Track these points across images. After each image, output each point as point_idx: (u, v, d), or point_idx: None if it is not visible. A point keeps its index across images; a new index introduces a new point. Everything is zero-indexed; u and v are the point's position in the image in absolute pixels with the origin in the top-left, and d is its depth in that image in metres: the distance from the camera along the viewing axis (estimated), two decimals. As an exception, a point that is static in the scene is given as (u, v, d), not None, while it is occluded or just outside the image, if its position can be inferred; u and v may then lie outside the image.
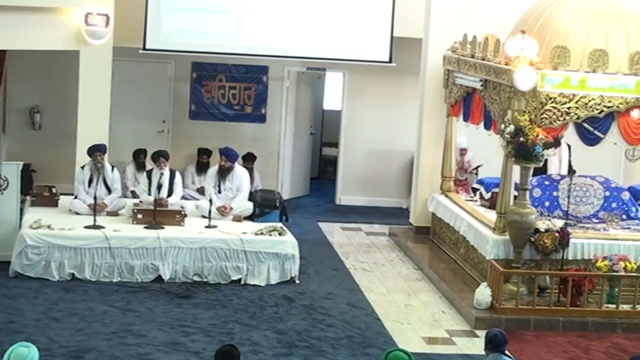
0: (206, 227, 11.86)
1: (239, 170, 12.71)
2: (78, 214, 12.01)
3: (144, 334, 9.65)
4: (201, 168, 15.03)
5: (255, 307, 10.75)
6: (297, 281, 11.70)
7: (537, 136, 10.68)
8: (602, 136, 11.16)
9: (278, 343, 9.68)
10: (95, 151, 12.22)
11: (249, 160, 15.11)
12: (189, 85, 15.92)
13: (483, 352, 7.50)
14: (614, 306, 10.83)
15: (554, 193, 12.14)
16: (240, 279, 11.52)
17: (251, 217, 12.39)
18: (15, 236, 11.31)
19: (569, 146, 13.29)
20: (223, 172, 12.56)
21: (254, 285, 11.47)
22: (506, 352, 7.35)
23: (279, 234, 11.78)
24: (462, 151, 13.90)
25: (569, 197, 11.61)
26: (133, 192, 14.11)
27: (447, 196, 13.49)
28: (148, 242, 11.37)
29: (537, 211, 11.40)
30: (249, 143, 15.76)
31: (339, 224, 15.07)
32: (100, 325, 9.82)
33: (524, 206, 11.01)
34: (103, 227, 11.50)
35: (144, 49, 14.40)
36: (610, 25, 11.27)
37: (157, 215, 11.76)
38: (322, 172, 18.28)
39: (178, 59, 15.57)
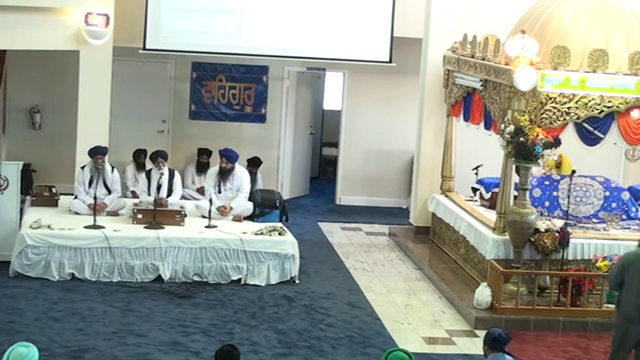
0: (206, 227, 11.86)
1: (239, 170, 12.71)
2: (78, 214, 12.02)
3: (144, 334, 9.65)
4: (201, 168, 15.02)
5: (255, 307, 10.75)
6: (297, 281, 11.70)
7: (537, 136, 10.68)
8: (602, 136, 11.16)
9: (278, 343, 9.68)
10: (96, 153, 12.23)
11: (254, 164, 15.09)
12: (189, 85, 15.92)
13: (483, 352, 7.50)
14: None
15: (554, 193, 12.14)
16: (240, 279, 11.52)
17: (251, 217, 12.39)
18: (15, 236, 11.31)
19: None
20: (224, 174, 12.55)
21: (254, 285, 11.48)
22: (506, 350, 7.37)
23: (279, 234, 11.78)
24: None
25: (569, 197, 11.61)
26: (133, 192, 14.12)
27: (447, 196, 13.49)
28: (148, 242, 11.37)
29: (537, 211, 11.40)
30: (249, 143, 15.76)
31: (339, 224, 15.07)
32: (100, 325, 9.82)
33: (524, 206, 11.01)
34: (103, 227, 11.50)
35: (144, 49, 14.40)
36: (610, 25, 11.28)
37: (157, 215, 11.76)
38: (322, 172, 18.28)
39: (178, 59, 15.57)
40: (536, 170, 12.91)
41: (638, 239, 8.92)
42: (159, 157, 12.48)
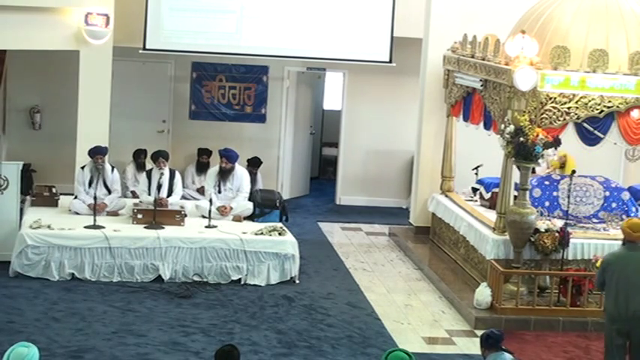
0: (206, 227, 11.86)
1: (239, 170, 12.72)
2: (78, 214, 12.02)
3: (144, 334, 9.66)
4: (201, 168, 15.02)
5: (255, 307, 10.75)
6: (297, 281, 11.70)
7: (537, 136, 10.69)
8: (602, 136, 11.16)
9: (278, 343, 9.68)
10: (96, 153, 12.23)
11: (254, 164, 15.08)
12: (189, 85, 15.92)
13: (481, 354, 7.50)
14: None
15: (554, 193, 12.14)
16: (240, 279, 11.52)
17: (251, 217, 12.39)
18: (15, 236, 11.31)
19: None
20: (224, 174, 12.55)
21: (254, 285, 11.48)
22: (503, 347, 7.38)
23: (279, 234, 11.78)
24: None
25: (569, 197, 11.61)
26: (133, 192, 14.12)
27: (447, 196, 13.49)
28: (148, 242, 11.37)
29: (537, 211, 11.40)
30: (249, 143, 15.76)
31: (339, 224, 15.07)
32: (100, 325, 9.82)
33: (524, 206, 11.01)
34: (103, 227, 11.50)
35: (144, 49, 14.40)
36: (610, 25, 11.28)
37: (157, 215, 11.76)
38: (322, 172, 18.28)
39: (178, 59, 15.57)
40: (540, 169, 12.92)
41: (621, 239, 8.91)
42: (160, 157, 12.48)
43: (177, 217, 11.91)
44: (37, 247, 11.19)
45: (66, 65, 14.43)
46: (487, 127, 11.97)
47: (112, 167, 12.49)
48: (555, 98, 10.99)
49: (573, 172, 11.80)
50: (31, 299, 10.53)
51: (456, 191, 13.63)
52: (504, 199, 11.40)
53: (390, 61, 14.85)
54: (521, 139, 10.67)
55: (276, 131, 16.19)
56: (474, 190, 13.50)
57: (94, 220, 11.57)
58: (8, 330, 9.50)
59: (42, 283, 11.05)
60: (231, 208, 12.38)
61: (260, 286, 11.48)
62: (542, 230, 10.98)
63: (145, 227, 11.66)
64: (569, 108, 11.02)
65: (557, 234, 10.97)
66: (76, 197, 12.25)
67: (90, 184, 12.22)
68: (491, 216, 11.84)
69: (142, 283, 11.25)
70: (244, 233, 11.71)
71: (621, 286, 8.45)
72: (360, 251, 13.56)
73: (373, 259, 13.17)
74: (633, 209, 12.26)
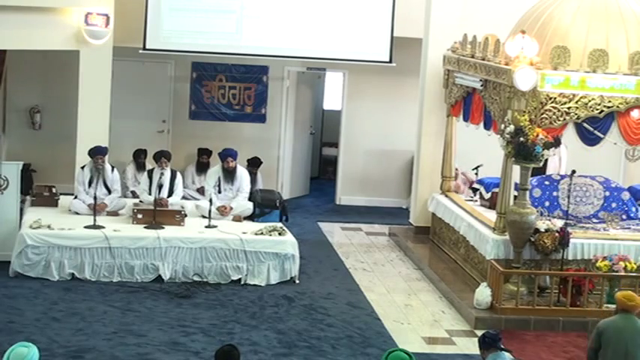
0: (206, 227, 11.86)
1: (239, 170, 12.72)
2: (78, 214, 12.02)
3: (144, 334, 9.66)
4: (201, 168, 15.02)
5: (255, 307, 10.75)
6: (297, 281, 11.70)
7: (537, 136, 10.69)
8: (602, 136, 11.17)
9: (278, 343, 9.69)
10: (97, 153, 12.24)
11: (254, 164, 15.08)
12: (189, 85, 15.92)
13: (480, 355, 7.50)
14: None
15: (554, 193, 12.15)
16: (240, 279, 11.52)
17: (251, 217, 12.40)
18: (15, 236, 11.31)
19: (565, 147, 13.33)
20: (229, 174, 12.52)
21: (254, 285, 11.48)
22: (502, 347, 7.37)
23: (279, 234, 11.78)
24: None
25: (569, 197, 11.61)
26: (133, 192, 14.12)
27: (447, 196, 13.49)
28: (148, 242, 11.37)
29: (537, 211, 11.40)
30: (249, 143, 15.76)
31: (339, 224, 15.07)
32: (100, 325, 9.82)
33: (524, 206, 11.01)
34: (103, 227, 11.50)
35: (144, 49, 14.40)
36: (610, 25, 11.28)
37: (157, 215, 11.76)
38: (322, 172, 18.28)
39: (178, 59, 15.57)
40: (553, 168, 12.99)
41: (614, 310, 8.72)
42: (162, 156, 12.50)
43: (177, 217, 11.91)
44: (37, 247, 11.19)
45: (66, 65, 14.44)
46: (487, 127, 11.97)
47: (112, 167, 12.49)
48: (555, 98, 10.99)
49: (573, 172, 11.80)
50: (31, 299, 10.53)
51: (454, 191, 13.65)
52: (504, 199, 11.41)
53: (390, 61, 14.85)
54: (521, 139, 10.67)
55: (276, 131, 16.19)
56: (474, 190, 13.51)
57: (94, 220, 11.57)
58: (8, 330, 9.50)
59: (42, 283, 11.05)
60: (231, 208, 12.38)
61: (260, 286, 11.48)
62: (542, 230, 10.98)
63: (145, 227, 11.66)
64: (569, 108, 11.03)
65: (557, 234, 10.97)
66: (76, 197, 12.25)
67: (90, 184, 12.22)
68: (491, 216, 11.85)
69: (142, 283, 11.25)
70: (244, 233, 11.72)
71: (619, 350, 8.18)
72: (360, 251, 13.56)
73: (373, 259, 13.17)
74: (633, 209, 12.27)
